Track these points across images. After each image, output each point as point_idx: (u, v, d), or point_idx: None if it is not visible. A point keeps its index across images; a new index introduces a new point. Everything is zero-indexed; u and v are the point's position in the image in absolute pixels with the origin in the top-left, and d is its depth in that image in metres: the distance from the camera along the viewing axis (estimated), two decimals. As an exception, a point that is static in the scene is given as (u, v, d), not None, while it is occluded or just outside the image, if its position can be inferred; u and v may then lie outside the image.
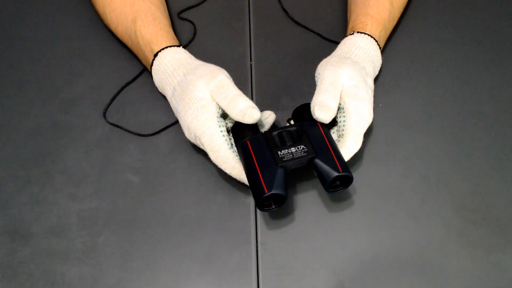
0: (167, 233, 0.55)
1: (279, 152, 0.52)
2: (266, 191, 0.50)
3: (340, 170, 0.51)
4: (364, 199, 0.57)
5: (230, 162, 0.54)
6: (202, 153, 0.59)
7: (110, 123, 0.63)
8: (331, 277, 0.52)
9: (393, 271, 0.53)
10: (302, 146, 0.53)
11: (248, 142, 0.53)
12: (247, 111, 0.54)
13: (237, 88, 0.56)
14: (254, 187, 0.51)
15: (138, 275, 0.52)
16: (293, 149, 0.53)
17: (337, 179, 0.52)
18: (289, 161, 0.52)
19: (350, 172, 0.52)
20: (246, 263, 0.53)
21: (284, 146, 0.53)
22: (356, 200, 0.57)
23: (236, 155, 0.55)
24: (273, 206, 0.52)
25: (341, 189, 0.54)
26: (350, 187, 0.57)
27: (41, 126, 0.63)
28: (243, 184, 0.58)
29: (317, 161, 0.52)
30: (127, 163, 0.60)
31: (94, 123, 0.63)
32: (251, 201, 0.57)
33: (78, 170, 0.59)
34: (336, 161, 0.52)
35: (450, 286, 0.52)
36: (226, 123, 0.57)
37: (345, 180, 0.53)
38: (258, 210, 0.56)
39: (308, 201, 0.57)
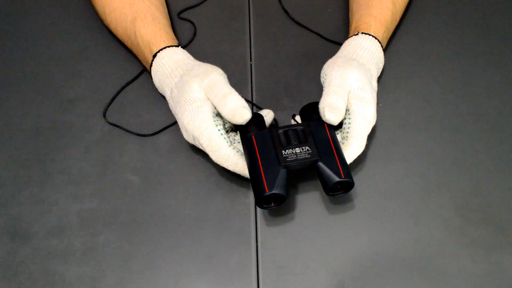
0: (167, 233, 0.55)
1: (283, 151, 0.52)
2: (267, 191, 0.50)
3: (342, 176, 0.51)
4: (364, 199, 0.57)
5: (232, 159, 0.54)
6: (202, 153, 0.59)
7: (110, 123, 0.63)
8: (331, 277, 0.52)
9: (393, 271, 0.52)
10: (306, 148, 0.53)
11: (253, 137, 0.53)
12: (237, 111, 0.53)
13: (229, 86, 0.56)
14: (255, 185, 0.51)
15: (138, 275, 0.52)
16: (297, 150, 0.53)
17: (338, 184, 0.52)
18: (292, 161, 0.52)
19: (351, 178, 0.52)
20: (246, 263, 0.53)
21: (289, 145, 0.53)
22: (356, 200, 0.57)
23: (237, 152, 0.55)
24: (273, 205, 0.52)
25: (341, 193, 0.54)
26: (350, 187, 0.57)
27: (41, 126, 0.63)
28: (243, 184, 0.58)
29: (320, 164, 0.52)
30: (127, 163, 0.60)
31: (94, 123, 0.63)
32: (251, 201, 0.57)
33: (78, 170, 0.59)
34: (339, 166, 0.52)
35: (450, 286, 0.52)
36: (225, 122, 0.57)
37: (346, 185, 0.53)
38: (258, 210, 0.56)
39: (309, 201, 0.57)
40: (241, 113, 0.53)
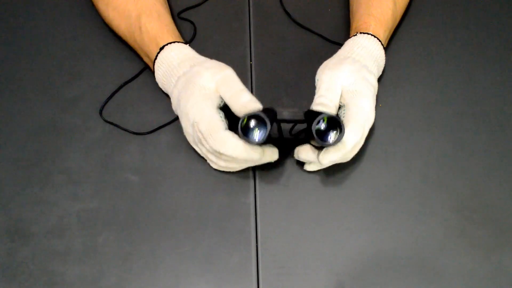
0: (167, 233, 0.55)
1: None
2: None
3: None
4: (364, 199, 0.57)
5: (231, 140, 0.53)
6: (202, 153, 0.59)
7: (107, 121, 0.63)
8: (331, 277, 0.52)
9: (393, 271, 0.53)
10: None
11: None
12: (249, 104, 0.54)
13: (243, 84, 0.56)
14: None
15: (138, 275, 0.52)
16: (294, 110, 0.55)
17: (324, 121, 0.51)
18: (284, 109, 0.54)
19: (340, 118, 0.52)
20: (246, 263, 0.53)
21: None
22: (356, 200, 0.57)
23: (235, 135, 0.54)
24: (258, 134, 0.51)
25: (336, 137, 0.51)
26: (350, 188, 0.57)
27: (41, 126, 0.63)
28: (243, 184, 0.58)
29: (309, 109, 0.53)
30: (127, 163, 0.60)
31: (94, 123, 0.63)
32: (251, 201, 0.57)
33: (78, 170, 0.59)
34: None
35: (450, 286, 0.52)
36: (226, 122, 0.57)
37: (334, 125, 0.51)
38: (258, 210, 0.56)
39: (308, 201, 0.57)
40: (254, 107, 0.53)
